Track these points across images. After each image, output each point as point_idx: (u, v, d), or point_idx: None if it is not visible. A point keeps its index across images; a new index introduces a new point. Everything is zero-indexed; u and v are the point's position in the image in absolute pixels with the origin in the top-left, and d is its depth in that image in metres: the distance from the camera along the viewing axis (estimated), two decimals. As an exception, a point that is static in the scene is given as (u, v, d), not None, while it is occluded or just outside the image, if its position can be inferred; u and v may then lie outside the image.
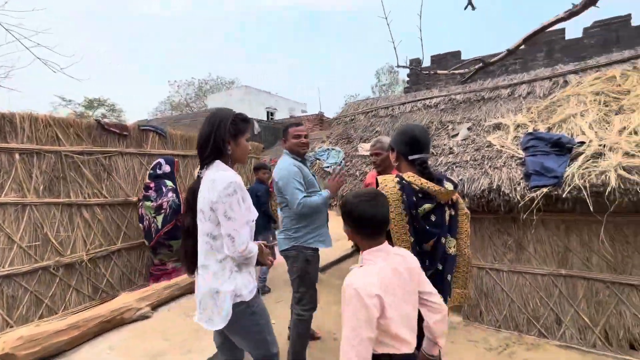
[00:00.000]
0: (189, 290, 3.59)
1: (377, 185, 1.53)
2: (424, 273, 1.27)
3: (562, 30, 7.60)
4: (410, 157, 1.55)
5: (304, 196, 2.23)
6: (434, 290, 1.26)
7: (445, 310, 1.26)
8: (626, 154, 2.46)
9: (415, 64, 9.46)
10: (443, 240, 1.48)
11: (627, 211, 2.51)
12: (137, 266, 4.06)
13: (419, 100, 5.08)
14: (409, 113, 4.96)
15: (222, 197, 1.35)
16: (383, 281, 1.11)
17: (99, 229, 3.70)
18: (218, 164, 1.45)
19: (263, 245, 1.62)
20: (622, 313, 2.58)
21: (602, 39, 7.21)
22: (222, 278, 1.41)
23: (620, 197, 2.32)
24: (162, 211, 3.56)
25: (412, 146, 1.55)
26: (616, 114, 2.95)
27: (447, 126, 4.23)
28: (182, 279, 3.56)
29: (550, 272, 2.87)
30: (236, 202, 1.37)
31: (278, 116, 21.84)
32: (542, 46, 7.58)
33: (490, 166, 3.11)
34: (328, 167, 4.53)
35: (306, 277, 2.33)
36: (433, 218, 1.47)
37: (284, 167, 2.33)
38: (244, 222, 1.38)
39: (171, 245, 3.62)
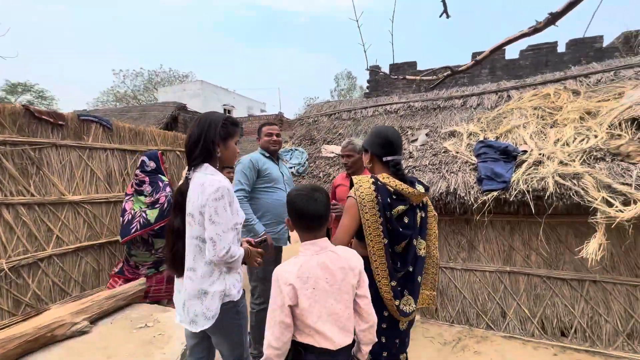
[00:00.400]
0: (137, 298, 3.25)
1: (352, 185, 1.52)
2: (365, 277, 1.27)
3: (503, 51, 8.46)
4: (385, 159, 1.55)
5: (240, 189, 2.31)
6: (368, 297, 1.26)
7: (373, 321, 1.26)
8: (561, 162, 2.78)
9: (374, 70, 9.80)
10: (414, 241, 1.51)
11: (559, 213, 2.83)
12: (72, 275, 3.58)
13: (380, 105, 5.26)
14: (370, 117, 5.10)
15: (209, 201, 1.37)
16: (303, 272, 1.17)
17: (23, 232, 3.19)
18: (206, 167, 1.46)
19: (249, 247, 1.61)
20: (556, 304, 2.90)
21: (535, 61, 8.16)
22: (211, 279, 1.43)
23: (557, 201, 2.61)
24: (158, 205, 3.24)
25: (386, 148, 1.56)
26: (551, 127, 3.32)
27: (407, 132, 4.42)
28: (130, 286, 3.21)
29: (497, 269, 3.12)
30: (222, 206, 1.38)
31: (236, 114, 21.12)
32: (487, 63, 8.35)
33: (447, 171, 3.30)
34: (292, 167, 4.46)
35: (254, 271, 2.40)
36: (406, 220, 1.49)
37: (242, 159, 2.43)
38: (228, 227, 1.39)
39: (152, 244, 3.24)
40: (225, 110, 20.82)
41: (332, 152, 4.51)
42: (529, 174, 2.79)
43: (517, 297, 3.03)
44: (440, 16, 1.36)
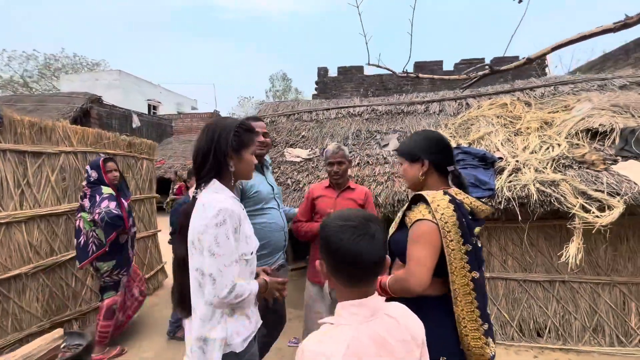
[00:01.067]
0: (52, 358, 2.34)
1: (412, 203, 1.22)
2: (426, 347, 0.93)
3: (441, 62, 9.14)
4: (449, 168, 1.29)
5: None
6: None
7: None
8: (536, 170, 2.88)
9: (322, 72, 9.66)
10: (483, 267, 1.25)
11: (532, 218, 2.93)
12: None
13: (342, 107, 5.03)
14: (334, 120, 4.83)
15: (209, 227, 1.13)
16: (353, 354, 0.77)
17: None
18: (214, 183, 1.24)
19: (265, 276, 1.37)
20: (531, 306, 3.00)
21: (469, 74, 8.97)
22: (211, 323, 1.18)
23: (539, 207, 2.67)
24: (99, 225, 2.71)
25: (448, 155, 1.31)
26: (515, 135, 3.49)
27: (375, 135, 4.27)
28: (40, 344, 2.28)
29: (477, 276, 3.12)
30: (224, 234, 1.13)
31: (163, 110, 18.83)
32: (427, 73, 8.90)
33: (429, 177, 3.19)
34: (252, 173, 3.89)
35: None
36: (479, 243, 1.23)
37: None
38: (232, 260, 1.16)
39: (98, 269, 2.79)
40: (149, 105, 18.41)
41: (298, 157, 4.09)
42: (511, 182, 2.83)
43: (497, 302, 3.06)
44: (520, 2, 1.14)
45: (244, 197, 1.90)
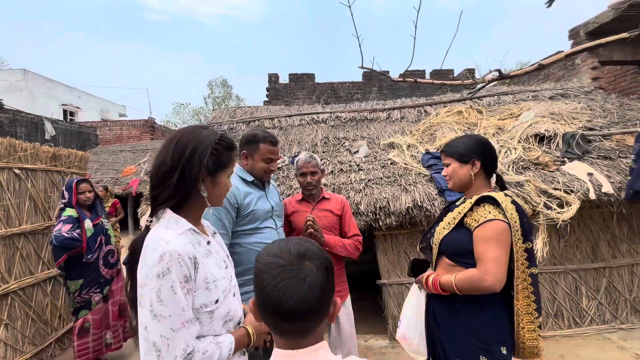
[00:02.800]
0: None
1: (485, 202, 1.29)
2: None
3: (388, 72, 9.67)
4: (496, 173, 1.41)
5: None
6: None
7: None
8: (501, 172, 3.10)
9: (273, 78, 9.43)
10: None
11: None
12: None
13: (305, 114, 4.90)
14: (298, 126, 4.67)
15: (149, 278, 0.86)
16: None
17: None
18: (166, 213, 0.97)
19: (249, 321, 1.07)
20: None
21: (410, 84, 9.62)
22: None
23: (509, 207, 2.87)
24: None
25: (495, 158, 1.42)
26: (475, 140, 3.75)
27: (344, 142, 4.22)
28: None
29: (454, 276, 3.23)
30: (168, 288, 0.85)
31: (84, 117, 16.38)
32: (375, 82, 9.31)
33: (406, 183, 3.22)
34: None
35: None
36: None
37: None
38: (182, 321, 0.86)
39: (68, 288, 2.87)
40: (65, 111, 15.90)
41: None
42: (482, 184, 2.99)
43: (474, 300, 3.20)
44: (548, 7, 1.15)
45: (238, 215, 1.65)
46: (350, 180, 3.43)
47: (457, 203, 1.51)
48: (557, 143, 3.36)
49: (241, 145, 1.77)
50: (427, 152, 3.50)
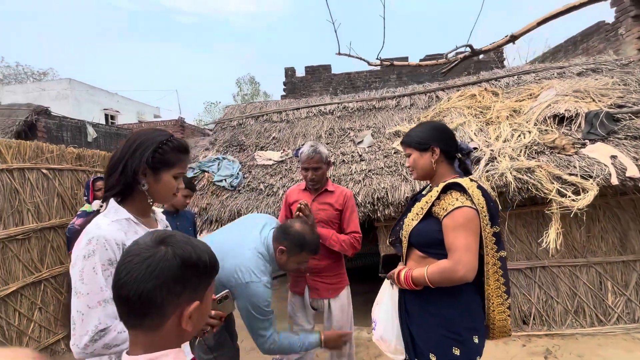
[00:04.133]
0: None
1: (452, 189, 1.26)
2: None
3: (407, 58, 9.27)
4: (459, 155, 1.37)
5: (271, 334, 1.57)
6: None
7: None
8: (511, 157, 2.87)
9: (290, 72, 9.45)
10: None
11: (513, 206, 2.93)
12: None
13: (312, 106, 4.87)
14: (305, 119, 4.65)
15: (77, 259, 0.95)
16: None
17: None
18: (111, 202, 1.06)
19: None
20: (515, 295, 2.99)
21: (431, 69, 9.17)
22: None
23: (517, 195, 2.66)
24: None
25: (455, 142, 1.37)
26: (487, 125, 3.50)
27: (349, 133, 4.14)
28: None
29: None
30: (90, 268, 0.94)
31: (122, 120, 17.66)
32: (395, 69, 8.98)
33: (407, 172, 3.10)
34: (220, 180, 3.62)
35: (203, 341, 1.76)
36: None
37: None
38: (98, 300, 0.94)
39: None
40: (107, 115, 17.22)
41: (270, 159, 3.86)
42: (488, 171, 2.80)
43: (482, 294, 3.03)
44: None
45: None
46: (351, 171, 3.37)
47: (423, 192, 1.43)
48: (579, 124, 3.03)
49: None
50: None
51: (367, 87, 9.07)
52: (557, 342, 2.75)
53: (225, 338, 1.87)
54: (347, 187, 3.09)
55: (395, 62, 1.68)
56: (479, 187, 1.24)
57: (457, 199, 1.22)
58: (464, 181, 1.25)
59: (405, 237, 1.39)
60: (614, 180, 2.47)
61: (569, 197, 2.49)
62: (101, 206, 1.09)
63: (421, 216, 1.32)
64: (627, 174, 2.48)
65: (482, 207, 1.20)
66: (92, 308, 0.92)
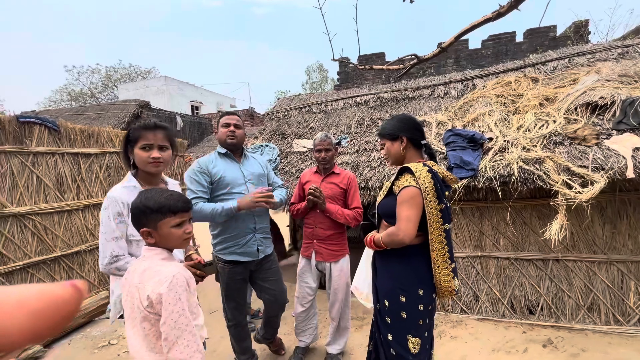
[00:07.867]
0: (98, 313, 3.02)
1: (399, 175, 1.51)
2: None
3: (466, 41, 8.69)
4: (423, 142, 1.56)
5: (193, 197, 1.97)
6: None
7: None
8: (524, 148, 2.86)
9: (344, 62, 9.75)
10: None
11: (524, 197, 2.93)
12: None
13: (349, 97, 5.21)
14: (341, 110, 5.04)
15: (102, 210, 1.45)
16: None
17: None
18: (128, 174, 1.53)
19: (189, 266, 1.50)
20: (523, 284, 3.02)
21: (495, 50, 8.45)
22: (114, 282, 1.56)
23: (522, 185, 2.69)
24: None
25: (421, 132, 1.58)
26: (513, 114, 3.43)
27: (377, 123, 4.41)
28: (89, 301, 2.97)
29: (469, 255, 3.20)
30: (106, 217, 1.43)
31: (204, 110, 20.33)
32: (452, 53, 8.54)
33: (417, 161, 3.31)
34: (262, 164, 4.31)
35: (222, 289, 2.18)
36: (449, 204, 1.53)
37: (196, 161, 2.10)
38: (110, 237, 1.43)
39: None
40: (192, 106, 19.97)
41: (304, 147, 4.41)
42: (495, 161, 2.86)
43: (488, 280, 3.13)
44: (404, 0, 1.31)
45: (212, 182, 2.03)
46: (370, 158, 3.70)
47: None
48: (615, 112, 2.81)
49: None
50: (450, 130, 3.43)
51: (421, 74, 8.85)
52: (562, 334, 2.74)
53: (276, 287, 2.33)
54: (362, 173, 3.46)
55: (375, 66, 1.99)
56: (430, 170, 1.45)
57: (406, 180, 1.46)
58: (415, 165, 1.47)
59: (376, 210, 1.72)
60: (630, 174, 2.34)
61: (575, 189, 2.45)
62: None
63: (385, 192, 1.62)
64: (647, 168, 2.32)
65: (426, 187, 1.41)
66: (107, 242, 1.41)
